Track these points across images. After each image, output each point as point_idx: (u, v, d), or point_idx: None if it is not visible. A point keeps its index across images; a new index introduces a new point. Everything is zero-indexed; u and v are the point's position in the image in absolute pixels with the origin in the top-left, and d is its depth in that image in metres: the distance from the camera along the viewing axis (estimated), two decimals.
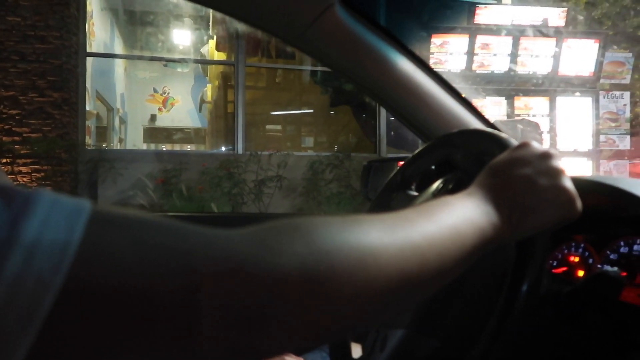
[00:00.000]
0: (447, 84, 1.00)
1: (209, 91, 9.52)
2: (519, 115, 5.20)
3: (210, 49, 8.38)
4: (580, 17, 7.27)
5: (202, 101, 10.36)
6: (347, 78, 0.99)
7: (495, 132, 0.64)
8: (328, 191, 5.37)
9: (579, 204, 0.53)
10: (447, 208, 0.46)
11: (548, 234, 0.55)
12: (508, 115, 5.20)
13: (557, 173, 0.53)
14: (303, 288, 0.31)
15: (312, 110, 8.66)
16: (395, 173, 0.85)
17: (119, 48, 9.34)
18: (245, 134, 6.11)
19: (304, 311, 0.31)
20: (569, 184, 0.53)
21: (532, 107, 5.37)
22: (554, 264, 0.92)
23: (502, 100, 5.30)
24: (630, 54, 5.64)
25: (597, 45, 5.33)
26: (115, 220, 0.28)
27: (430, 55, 5.25)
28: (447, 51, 5.25)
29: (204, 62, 9.49)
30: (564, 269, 0.90)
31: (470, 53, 5.24)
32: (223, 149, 7.26)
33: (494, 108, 5.26)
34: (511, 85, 5.33)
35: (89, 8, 6.16)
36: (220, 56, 7.85)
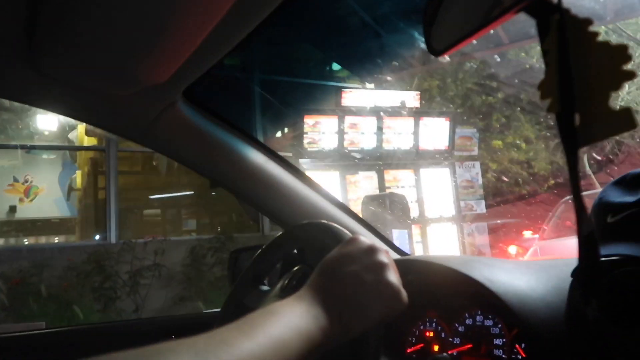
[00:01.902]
0: (300, 173, 1.03)
1: (78, 178, 8.88)
2: (389, 187, 5.57)
3: (79, 134, 7.93)
4: (433, 99, 8.22)
5: (71, 189, 9.58)
6: (198, 172, 0.98)
7: (330, 225, 0.66)
8: (211, 276, 5.15)
9: (403, 296, 0.55)
10: (273, 318, 0.45)
11: (381, 326, 0.56)
12: (380, 188, 5.55)
13: (381, 267, 0.55)
14: None
15: (192, 192, 8.45)
16: (247, 269, 0.83)
17: None
18: (120, 221, 5.75)
19: None
20: (392, 278, 0.55)
21: (400, 179, 5.81)
22: (413, 341, 0.94)
23: (374, 174, 5.67)
24: (475, 130, 6.47)
25: (448, 122, 6.03)
26: None
27: (305, 135, 5.49)
28: (320, 130, 5.55)
29: (72, 149, 8.91)
30: (421, 345, 0.93)
31: (341, 132, 5.58)
32: (97, 237, 6.72)
33: (366, 182, 5.59)
34: (380, 161, 5.74)
35: None
36: (90, 141, 7.46)
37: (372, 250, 0.56)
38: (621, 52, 0.40)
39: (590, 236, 0.36)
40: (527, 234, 7.00)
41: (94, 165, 7.51)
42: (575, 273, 0.62)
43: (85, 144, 7.65)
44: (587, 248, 0.36)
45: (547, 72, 0.40)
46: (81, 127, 7.74)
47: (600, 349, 0.47)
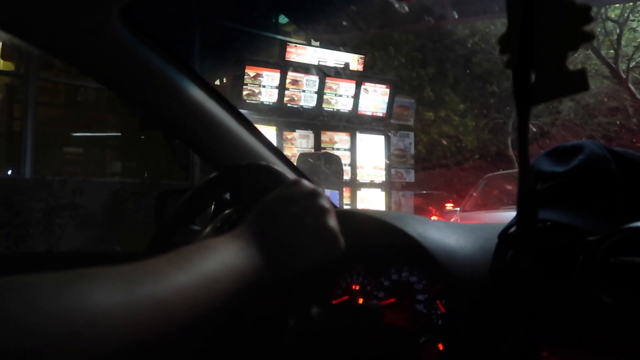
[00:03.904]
0: (239, 114, 0.99)
1: None
2: (324, 148, 5.61)
3: None
4: (374, 65, 8.27)
5: None
6: (131, 102, 0.91)
7: (272, 167, 0.64)
8: (134, 221, 4.97)
9: (341, 241, 0.55)
10: (207, 253, 0.43)
11: (315, 272, 0.56)
12: (315, 148, 5.57)
13: (322, 212, 0.55)
14: None
15: (119, 134, 8.03)
16: (179, 206, 0.80)
17: None
18: (37, 156, 5.37)
19: None
20: (332, 223, 0.55)
21: (337, 141, 5.86)
22: (338, 293, 0.96)
23: (310, 134, 5.66)
24: (413, 100, 6.63)
25: (388, 89, 6.10)
26: None
27: (244, 87, 5.34)
28: (260, 83, 5.42)
29: None
30: (346, 297, 0.95)
31: (282, 87, 5.49)
32: (9, 172, 6.25)
33: (302, 140, 5.58)
34: (318, 120, 5.74)
35: None
36: (6, 65, 6.81)
37: (314, 194, 0.56)
38: (583, 13, 0.40)
39: (530, 195, 0.37)
40: (449, 206, 7.39)
41: (10, 92, 6.90)
42: (502, 233, 0.65)
43: (1, 68, 6.97)
44: (526, 207, 0.37)
45: (509, 26, 0.40)
46: None
47: (522, 299, 0.50)
